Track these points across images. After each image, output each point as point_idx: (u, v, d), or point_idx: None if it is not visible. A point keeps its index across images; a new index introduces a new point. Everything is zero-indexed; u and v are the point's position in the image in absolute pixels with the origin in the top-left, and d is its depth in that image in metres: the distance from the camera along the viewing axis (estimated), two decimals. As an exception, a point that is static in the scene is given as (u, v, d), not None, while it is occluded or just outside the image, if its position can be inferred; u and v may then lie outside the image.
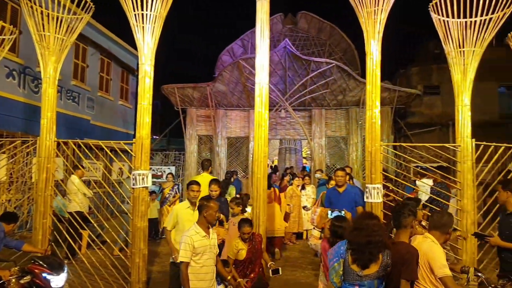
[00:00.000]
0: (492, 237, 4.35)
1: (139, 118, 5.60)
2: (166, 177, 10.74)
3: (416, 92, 14.64)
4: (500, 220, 4.50)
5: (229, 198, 7.08)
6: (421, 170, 8.65)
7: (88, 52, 14.13)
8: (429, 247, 3.32)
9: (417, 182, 8.44)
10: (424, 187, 7.72)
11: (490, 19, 5.39)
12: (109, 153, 5.88)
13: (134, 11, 5.28)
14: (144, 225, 5.57)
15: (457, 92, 5.70)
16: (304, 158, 19.28)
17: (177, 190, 10.26)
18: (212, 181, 5.90)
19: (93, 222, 6.02)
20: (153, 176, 14.39)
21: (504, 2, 5.30)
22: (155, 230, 9.85)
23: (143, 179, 5.54)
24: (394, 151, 7.41)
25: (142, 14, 5.30)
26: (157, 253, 8.41)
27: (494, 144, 5.67)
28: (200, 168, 11.06)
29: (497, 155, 5.66)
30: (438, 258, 3.24)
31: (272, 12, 6.27)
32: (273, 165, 16.29)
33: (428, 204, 6.19)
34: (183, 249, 3.90)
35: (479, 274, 3.77)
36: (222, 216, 5.72)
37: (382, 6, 5.25)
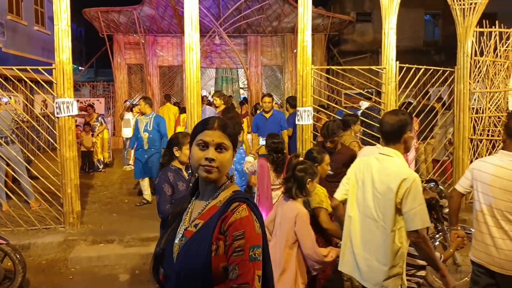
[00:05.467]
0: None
1: (57, 41, 5.17)
2: (86, 109, 10.35)
3: (349, 19, 14.76)
4: None
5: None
6: (354, 95, 9.02)
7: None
8: None
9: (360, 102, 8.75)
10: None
11: None
12: (30, 84, 5.40)
13: None
14: (73, 155, 5.38)
15: (384, 16, 5.83)
16: (241, 88, 19.19)
17: (102, 120, 10.00)
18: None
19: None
20: (82, 109, 13.72)
21: None
22: (89, 162, 9.60)
23: (67, 107, 5.24)
24: (326, 75, 7.59)
25: None
26: (91, 185, 8.23)
27: (415, 66, 6.01)
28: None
29: (417, 77, 6.02)
30: None
31: None
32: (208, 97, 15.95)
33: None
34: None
35: None
36: None
37: None
